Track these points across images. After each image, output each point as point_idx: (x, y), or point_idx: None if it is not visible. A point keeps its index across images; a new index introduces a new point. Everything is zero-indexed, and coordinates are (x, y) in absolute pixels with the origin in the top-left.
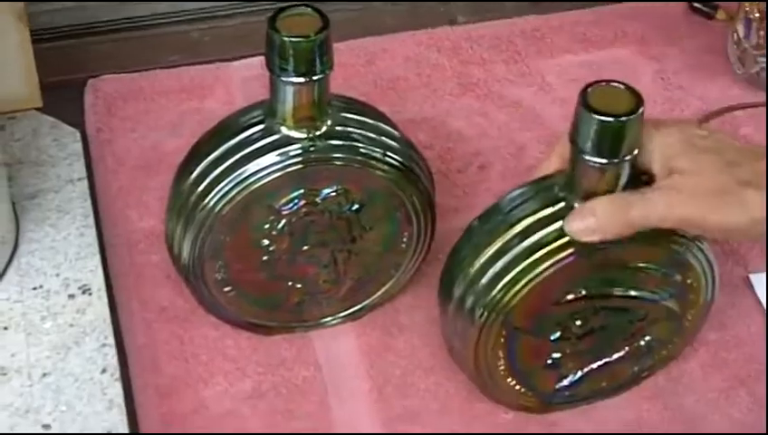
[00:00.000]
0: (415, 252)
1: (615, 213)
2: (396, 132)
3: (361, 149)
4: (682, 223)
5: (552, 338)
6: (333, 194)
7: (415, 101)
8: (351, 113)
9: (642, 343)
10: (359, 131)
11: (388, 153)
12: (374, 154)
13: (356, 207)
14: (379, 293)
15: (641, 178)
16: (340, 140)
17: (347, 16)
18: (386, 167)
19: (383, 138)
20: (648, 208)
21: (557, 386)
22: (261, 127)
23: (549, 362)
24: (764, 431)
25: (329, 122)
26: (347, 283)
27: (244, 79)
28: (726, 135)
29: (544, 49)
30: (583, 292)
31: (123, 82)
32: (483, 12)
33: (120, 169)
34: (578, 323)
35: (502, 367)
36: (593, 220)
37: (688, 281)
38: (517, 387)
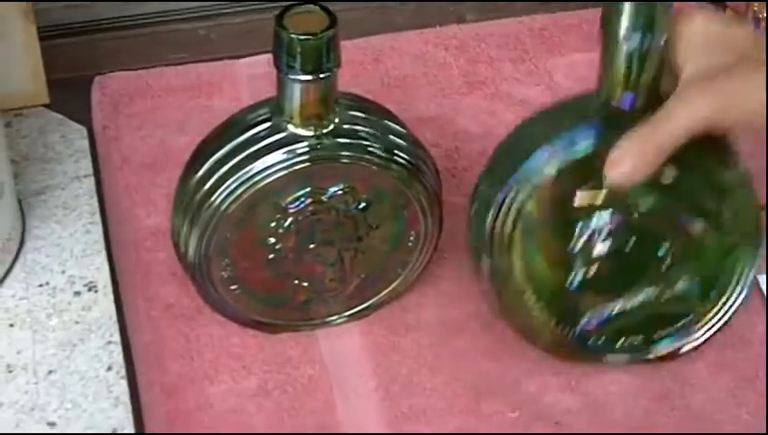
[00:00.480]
0: (422, 251)
1: (642, 149)
2: (403, 130)
3: (369, 148)
4: (709, 123)
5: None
6: (340, 192)
7: (422, 100)
8: (359, 111)
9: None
10: (366, 129)
11: (396, 151)
12: (381, 152)
13: (363, 205)
14: (386, 291)
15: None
16: (347, 138)
17: (355, 15)
18: (393, 165)
19: (391, 136)
20: (673, 125)
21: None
22: (268, 125)
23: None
24: (764, 432)
25: (336, 120)
26: (354, 281)
27: (251, 76)
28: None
29: (552, 47)
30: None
31: (130, 80)
32: (492, 10)
33: (127, 166)
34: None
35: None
36: (628, 164)
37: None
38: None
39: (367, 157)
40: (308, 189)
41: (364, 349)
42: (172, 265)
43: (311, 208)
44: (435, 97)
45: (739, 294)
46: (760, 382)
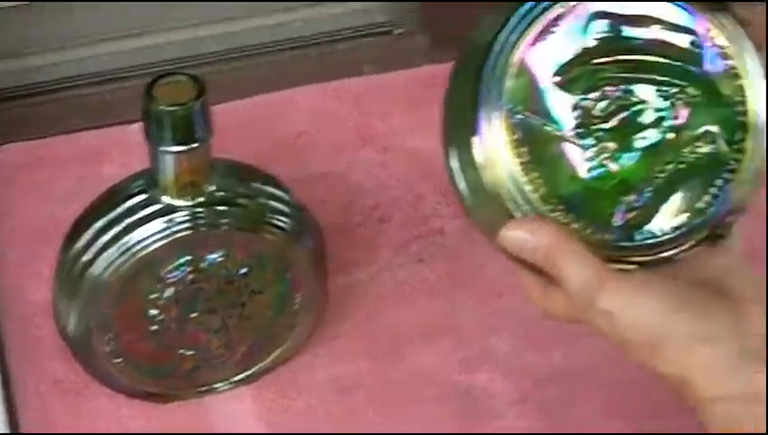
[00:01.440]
0: (309, 312)
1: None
2: (283, 194)
3: (247, 214)
4: None
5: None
6: (220, 259)
7: (315, 156)
8: (236, 177)
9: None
10: (244, 196)
11: (276, 216)
12: (260, 218)
13: (243, 271)
14: (275, 354)
15: None
16: (225, 205)
17: (254, 71)
18: (273, 229)
19: (269, 201)
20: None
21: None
22: (144, 196)
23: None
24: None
25: (213, 188)
26: (241, 347)
27: (139, 143)
28: None
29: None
30: None
31: (22, 151)
32: (389, 61)
33: (18, 239)
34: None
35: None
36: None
37: None
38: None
39: (245, 223)
40: (187, 258)
41: (256, 413)
42: (60, 340)
43: (191, 277)
44: (328, 153)
45: None
46: None
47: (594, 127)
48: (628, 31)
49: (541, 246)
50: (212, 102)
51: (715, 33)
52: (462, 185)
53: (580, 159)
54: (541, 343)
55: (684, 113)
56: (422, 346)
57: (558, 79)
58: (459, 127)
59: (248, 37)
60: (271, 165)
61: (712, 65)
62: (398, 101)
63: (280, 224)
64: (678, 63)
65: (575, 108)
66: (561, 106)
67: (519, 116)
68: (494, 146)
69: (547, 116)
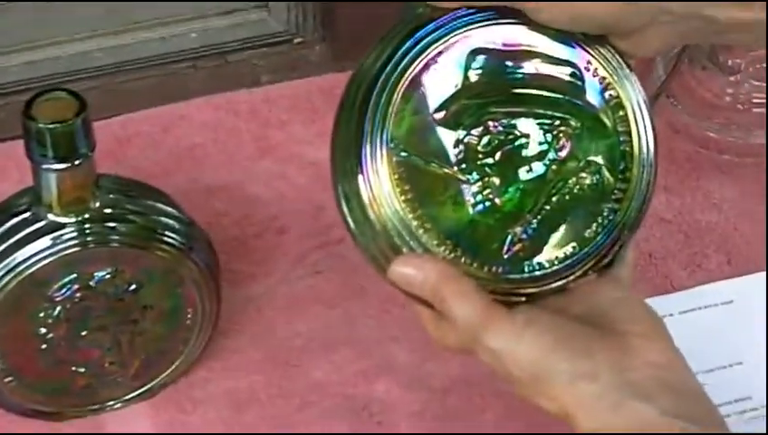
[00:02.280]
0: (201, 327)
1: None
2: (172, 209)
3: (136, 231)
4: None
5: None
6: (108, 277)
7: (212, 168)
8: (122, 193)
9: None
10: (131, 211)
11: (165, 232)
12: (148, 234)
13: (133, 287)
14: (170, 370)
15: None
16: (111, 221)
17: (147, 84)
18: (162, 246)
19: (158, 216)
20: None
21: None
22: (29, 214)
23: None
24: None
25: (98, 205)
26: (134, 363)
27: None
28: None
29: None
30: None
31: None
32: (287, 71)
33: None
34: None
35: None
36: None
37: None
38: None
39: (132, 240)
40: (74, 276)
41: (153, 429)
42: None
43: (79, 295)
44: (225, 165)
45: None
46: None
47: (478, 162)
48: (508, 66)
49: (428, 282)
50: (104, 116)
51: (595, 65)
52: (350, 221)
53: (466, 195)
54: (440, 353)
55: (567, 145)
56: (320, 358)
57: (440, 115)
58: (345, 164)
59: (142, 49)
60: (166, 178)
61: (593, 97)
62: (297, 111)
63: (170, 240)
64: (560, 96)
65: (458, 144)
66: (445, 142)
67: (403, 153)
68: (379, 183)
69: (431, 153)
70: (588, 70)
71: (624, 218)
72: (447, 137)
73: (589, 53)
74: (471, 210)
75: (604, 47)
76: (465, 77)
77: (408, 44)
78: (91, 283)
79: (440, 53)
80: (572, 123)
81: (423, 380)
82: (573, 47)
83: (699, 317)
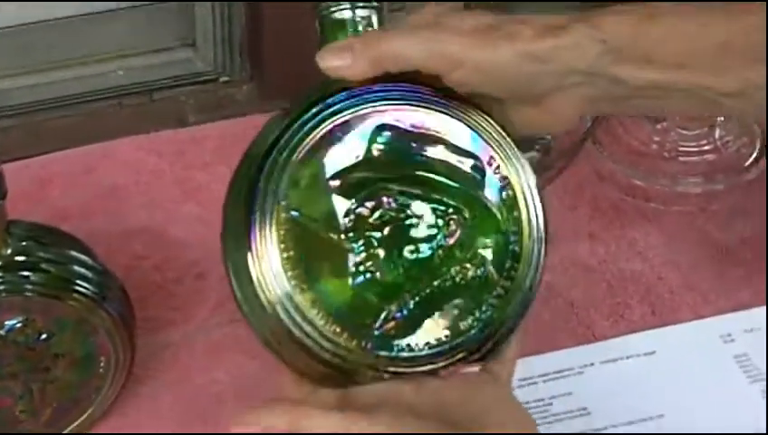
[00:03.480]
0: (114, 375)
1: (368, 47)
2: (85, 257)
3: (46, 279)
4: (440, 61)
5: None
6: (19, 325)
7: (133, 211)
8: (35, 241)
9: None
10: (43, 260)
11: (77, 281)
12: (60, 284)
13: (44, 336)
14: (83, 418)
15: None
16: (23, 270)
17: (71, 122)
18: (75, 295)
19: (70, 265)
20: (405, 41)
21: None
22: None
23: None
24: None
25: (9, 252)
26: (46, 411)
27: None
28: None
29: None
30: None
31: None
32: (214, 110)
33: None
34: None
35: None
36: (349, 56)
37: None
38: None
39: (45, 289)
40: None
41: None
42: None
43: None
44: (147, 207)
45: None
46: None
47: (366, 233)
48: (413, 147)
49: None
50: (25, 156)
51: (498, 162)
52: (240, 299)
53: (349, 265)
54: None
55: (457, 233)
56: (236, 407)
57: (336, 183)
58: (235, 241)
59: (66, 87)
60: (86, 220)
61: (491, 193)
62: (222, 153)
63: (82, 289)
64: (458, 185)
65: (349, 213)
66: (337, 209)
67: (293, 213)
68: (267, 250)
69: (321, 218)
70: (490, 165)
71: (502, 317)
72: (340, 205)
73: (493, 148)
74: (351, 280)
75: (511, 147)
76: (368, 150)
77: (316, 109)
78: (1, 331)
79: (347, 122)
80: (465, 214)
81: None
82: (479, 140)
83: (621, 368)
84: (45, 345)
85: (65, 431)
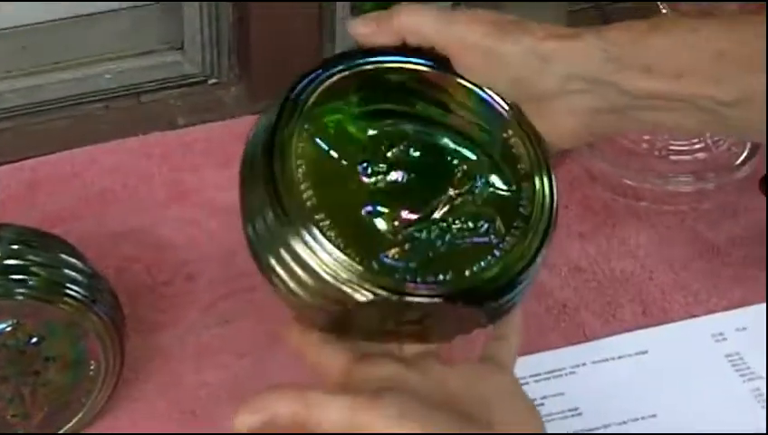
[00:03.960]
0: (105, 379)
1: (391, 17)
2: (75, 261)
3: (37, 283)
4: (453, 42)
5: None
6: (9, 329)
7: (122, 213)
8: (24, 245)
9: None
10: (34, 264)
11: (67, 285)
12: (51, 287)
13: (35, 340)
14: (74, 421)
15: None
16: (13, 273)
17: (59, 125)
18: (65, 299)
19: (61, 269)
20: (423, 18)
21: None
22: None
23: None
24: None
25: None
26: (37, 415)
27: None
28: None
29: None
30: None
31: None
32: (202, 112)
33: None
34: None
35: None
36: (375, 24)
37: None
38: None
39: (36, 293)
40: None
41: None
42: None
43: None
44: (136, 209)
45: None
46: None
47: (381, 165)
48: (431, 95)
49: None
50: (15, 159)
51: (511, 132)
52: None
53: (362, 193)
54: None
55: (468, 181)
56: (227, 409)
57: (356, 111)
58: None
59: (54, 90)
60: (75, 223)
61: (504, 157)
62: (210, 156)
63: (72, 293)
64: (472, 140)
65: (367, 145)
66: (355, 140)
67: (316, 139)
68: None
69: (338, 148)
70: (504, 132)
71: (504, 277)
72: (361, 134)
73: (506, 117)
74: (362, 208)
75: (522, 119)
76: (389, 90)
77: (352, 52)
78: None
79: (364, 71)
80: (478, 166)
81: None
82: (494, 107)
83: (613, 367)
84: (36, 349)
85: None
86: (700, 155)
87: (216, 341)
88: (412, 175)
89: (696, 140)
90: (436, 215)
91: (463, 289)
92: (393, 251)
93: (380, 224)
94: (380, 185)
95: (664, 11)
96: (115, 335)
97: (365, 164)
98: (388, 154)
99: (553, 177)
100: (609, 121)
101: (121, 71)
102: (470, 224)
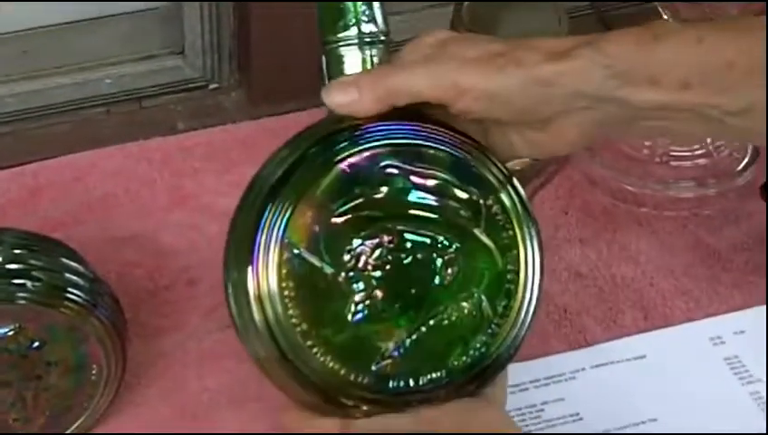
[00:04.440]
0: (107, 383)
1: (375, 83)
2: (77, 265)
3: (38, 287)
4: (446, 91)
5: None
6: (11, 333)
7: (123, 218)
8: (26, 249)
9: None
10: (35, 268)
11: (69, 289)
12: (52, 292)
13: (37, 344)
14: (75, 425)
15: None
16: (15, 278)
17: (60, 130)
18: (66, 303)
19: (63, 273)
20: (411, 75)
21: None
22: None
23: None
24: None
25: (0, 260)
26: (39, 419)
27: None
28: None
29: (257, 157)
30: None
31: None
32: (203, 117)
33: None
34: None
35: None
36: (356, 92)
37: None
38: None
39: (37, 297)
40: None
41: None
42: None
43: None
44: (137, 214)
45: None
46: None
47: (366, 272)
48: (413, 185)
49: None
50: (15, 163)
51: (498, 201)
52: (235, 313)
53: (348, 303)
54: None
55: (454, 272)
56: (229, 413)
57: (338, 221)
58: (238, 255)
59: (55, 95)
60: (77, 228)
61: (489, 231)
62: (211, 161)
63: (74, 297)
64: (456, 224)
65: (349, 252)
66: (339, 248)
67: (295, 251)
68: (266, 278)
69: (323, 255)
70: (490, 204)
71: (495, 352)
72: (341, 244)
73: (494, 186)
74: (351, 318)
75: (511, 185)
76: (370, 190)
77: (321, 146)
78: None
79: (351, 162)
80: (463, 253)
81: None
82: (481, 179)
83: (612, 372)
84: (37, 353)
85: None
86: (701, 161)
87: (218, 346)
88: (400, 276)
89: (697, 146)
90: (424, 316)
91: (457, 382)
92: (384, 363)
93: (369, 335)
94: (368, 293)
95: (665, 17)
96: (117, 339)
97: (350, 274)
98: (372, 260)
99: (539, 238)
100: (613, 131)
101: (122, 75)
102: (457, 315)
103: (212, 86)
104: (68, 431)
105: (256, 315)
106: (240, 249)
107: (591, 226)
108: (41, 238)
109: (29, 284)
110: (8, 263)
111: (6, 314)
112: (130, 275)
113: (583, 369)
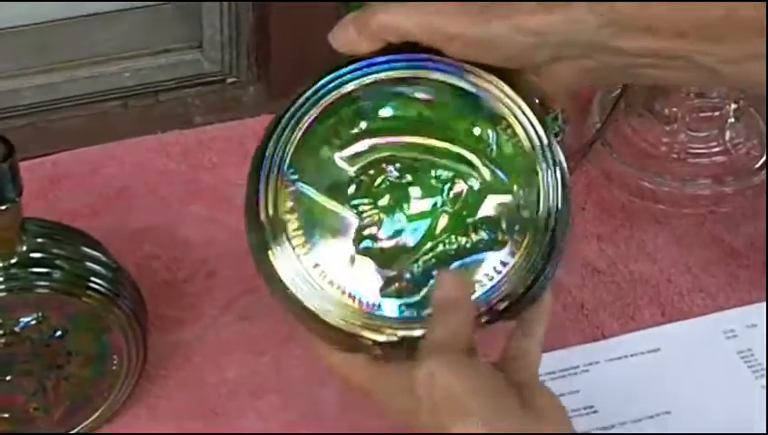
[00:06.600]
0: (127, 373)
1: (366, 21)
2: (99, 255)
3: (61, 276)
4: (435, 35)
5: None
6: (33, 322)
7: (142, 210)
8: (49, 238)
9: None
10: (57, 257)
11: (91, 278)
12: (74, 280)
13: (59, 333)
14: (95, 416)
15: None
16: (38, 267)
17: (78, 122)
18: (89, 292)
19: (85, 262)
20: (399, 16)
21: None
22: None
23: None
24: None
25: (24, 249)
26: (59, 409)
27: None
28: None
29: None
30: None
31: None
32: (220, 111)
33: None
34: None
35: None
36: (353, 31)
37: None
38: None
39: (59, 286)
40: None
41: None
42: None
43: (3, 341)
44: (155, 207)
45: None
46: None
47: (369, 200)
48: (417, 113)
49: None
50: (34, 155)
51: (510, 124)
52: (265, 276)
53: (352, 231)
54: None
55: (461, 199)
56: (247, 404)
57: (340, 153)
58: (252, 218)
59: (73, 88)
60: (95, 220)
61: (502, 157)
62: (229, 154)
63: (96, 286)
64: (463, 151)
65: (352, 181)
66: (341, 177)
67: (300, 184)
68: (277, 223)
69: (325, 188)
70: (501, 128)
71: (510, 284)
72: (344, 173)
73: (503, 110)
74: (355, 246)
75: (521, 108)
76: (373, 118)
77: (323, 82)
78: (15, 328)
79: (351, 92)
80: (471, 179)
81: (351, 427)
82: (488, 103)
83: (626, 365)
84: (59, 342)
85: (79, 429)
86: (719, 158)
87: (236, 338)
88: (404, 204)
89: (714, 144)
90: (435, 240)
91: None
92: (390, 288)
93: (374, 262)
94: (374, 219)
95: None
96: (138, 329)
97: (354, 201)
98: (376, 186)
99: (560, 159)
100: (605, 78)
101: (140, 69)
102: (467, 241)
103: (230, 80)
104: (87, 421)
105: (276, 269)
106: (251, 207)
107: (609, 222)
108: (63, 228)
109: (51, 272)
110: (31, 252)
111: (29, 302)
112: (149, 267)
113: (598, 362)
